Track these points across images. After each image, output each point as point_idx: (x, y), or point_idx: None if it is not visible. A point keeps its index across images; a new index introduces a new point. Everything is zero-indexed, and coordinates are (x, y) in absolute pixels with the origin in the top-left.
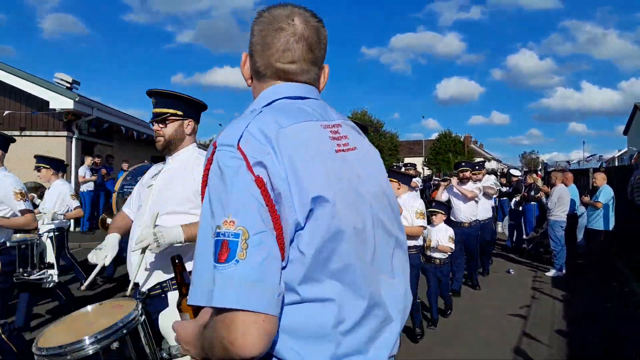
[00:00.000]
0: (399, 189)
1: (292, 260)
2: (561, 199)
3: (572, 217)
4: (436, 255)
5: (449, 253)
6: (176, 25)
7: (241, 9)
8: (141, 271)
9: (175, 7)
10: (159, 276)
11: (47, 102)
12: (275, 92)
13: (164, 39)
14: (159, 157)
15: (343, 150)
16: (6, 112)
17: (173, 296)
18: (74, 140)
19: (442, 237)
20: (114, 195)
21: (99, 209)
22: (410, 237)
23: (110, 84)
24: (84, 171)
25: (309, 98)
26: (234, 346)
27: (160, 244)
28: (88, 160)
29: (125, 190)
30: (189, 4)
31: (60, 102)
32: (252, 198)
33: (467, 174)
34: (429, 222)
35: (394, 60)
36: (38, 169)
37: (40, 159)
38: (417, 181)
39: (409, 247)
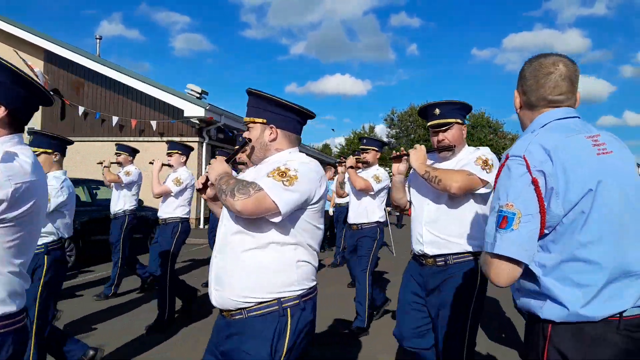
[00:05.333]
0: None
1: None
2: None
3: None
4: None
5: None
6: (290, 37)
7: (350, 19)
8: None
9: (289, 21)
10: None
11: (182, 111)
12: (548, 117)
13: (278, 51)
14: None
15: (603, 153)
16: (153, 121)
17: None
18: (204, 145)
19: None
20: None
21: None
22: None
23: (232, 94)
24: None
25: (571, 117)
26: (490, 277)
27: None
28: None
29: None
30: (301, 17)
31: (193, 111)
32: (527, 192)
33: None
34: None
35: (508, 60)
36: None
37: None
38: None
39: None
